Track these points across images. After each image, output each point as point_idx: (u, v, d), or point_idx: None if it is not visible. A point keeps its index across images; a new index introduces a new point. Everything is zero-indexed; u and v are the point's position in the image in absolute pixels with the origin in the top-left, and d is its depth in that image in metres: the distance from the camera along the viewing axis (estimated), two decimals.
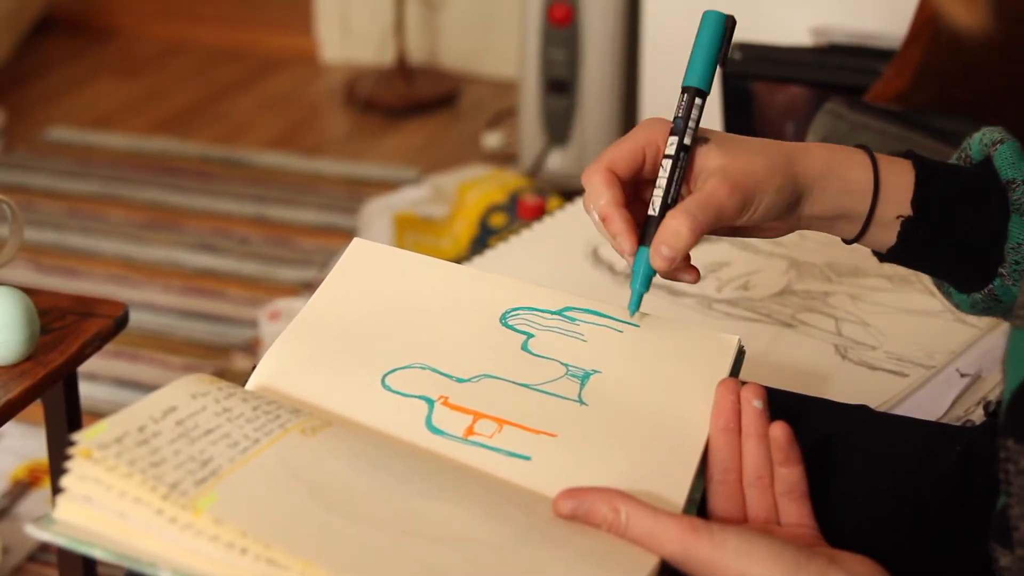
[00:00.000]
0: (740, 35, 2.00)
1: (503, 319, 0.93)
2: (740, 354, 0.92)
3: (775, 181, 0.90)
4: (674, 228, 0.88)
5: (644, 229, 0.90)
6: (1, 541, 1.97)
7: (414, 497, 0.76)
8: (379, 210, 2.94)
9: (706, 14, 0.94)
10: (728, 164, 0.90)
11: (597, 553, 0.75)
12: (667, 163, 0.90)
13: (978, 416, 1.12)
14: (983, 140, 0.95)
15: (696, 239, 0.88)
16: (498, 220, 2.79)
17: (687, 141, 0.90)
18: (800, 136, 1.79)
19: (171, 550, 0.70)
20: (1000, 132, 0.94)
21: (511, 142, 3.49)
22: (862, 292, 1.32)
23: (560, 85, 3.11)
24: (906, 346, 1.23)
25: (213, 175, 3.43)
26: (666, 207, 0.90)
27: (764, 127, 1.94)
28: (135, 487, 0.71)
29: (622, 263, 1.39)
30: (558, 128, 3.14)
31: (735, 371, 0.91)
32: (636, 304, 0.92)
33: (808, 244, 1.42)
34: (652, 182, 0.92)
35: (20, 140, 3.62)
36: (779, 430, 0.83)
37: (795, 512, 0.83)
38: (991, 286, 0.93)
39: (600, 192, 0.90)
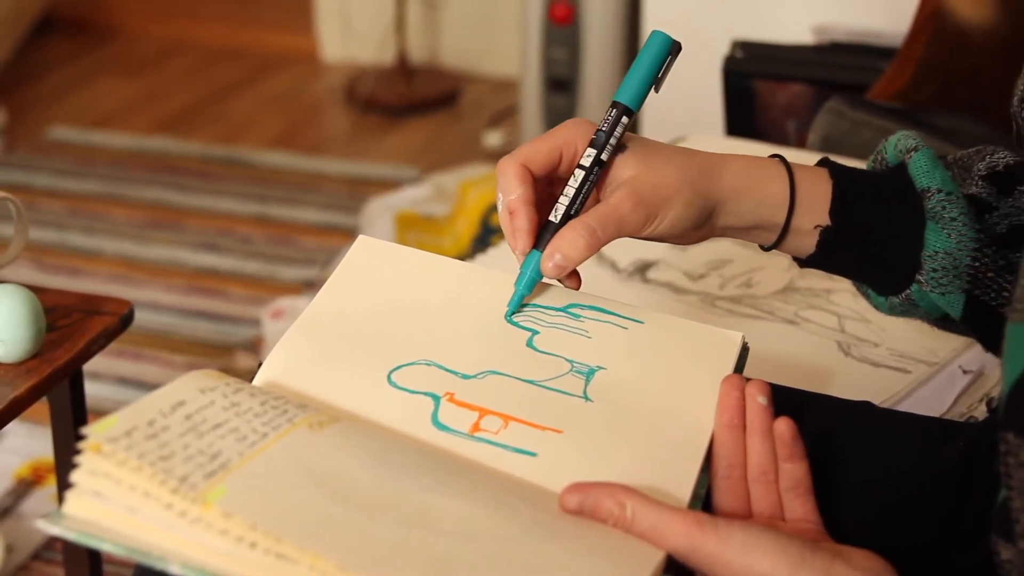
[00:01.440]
0: (742, 33, 2.01)
1: (508, 315, 0.93)
2: (744, 351, 0.92)
3: (684, 195, 0.90)
4: (572, 238, 0.89)
5: (541, 233, 0.91)
6: (6, 539, 1.97)
7: (422, 491, 0.77)
8: (381, 209, 2.94)
9: (653, 34, 0.93)
10: (638, 176, 0.90)
11: (603, 547, 0.75)
12: (579, 173, 0.91)
13: (981, 412, 1.13)
14: (898, 146, 0.96)
15: (591, 253, 0.89)
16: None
17: (604, 156, 0.91)
18: (803, 134, 1.80)
19: (181, 544, 0.70)
20: (915, 139, 0.95)
21: (512, 141, 3.50)
22: None
23: (561, 84, 3.11)
24: (909, 343, 1.23)
25: (215, 174, 3.43)
26: (568, 217, 0.91)
27: (766, 125, 1.94)
28: (144, 481, 0.71)
29: (624, 261, 1.40)
30: None
31: (739, 368, 0.91)
32: (516, 305, 0.93)
33: None
34: (565, 181, 0.92)
35: (22, 140, 3.62)
36: (784, 426, 0.83)
37: (799, 508, 0.84)
38: (908, 291, 0.94)
39: (512, 186, 0.91)
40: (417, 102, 3.83)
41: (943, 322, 0.98)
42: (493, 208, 2.81)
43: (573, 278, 0.94)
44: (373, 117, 3.80)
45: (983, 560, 0.83)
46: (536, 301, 0.94)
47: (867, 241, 0.94)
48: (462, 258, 1.11)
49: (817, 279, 1.35)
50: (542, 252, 0.90)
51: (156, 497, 0.71)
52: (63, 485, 1.30)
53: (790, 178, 0.94)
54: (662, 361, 0.90)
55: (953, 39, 1.60)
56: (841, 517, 0.87)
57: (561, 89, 3.12)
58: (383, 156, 3.55)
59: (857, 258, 0.95)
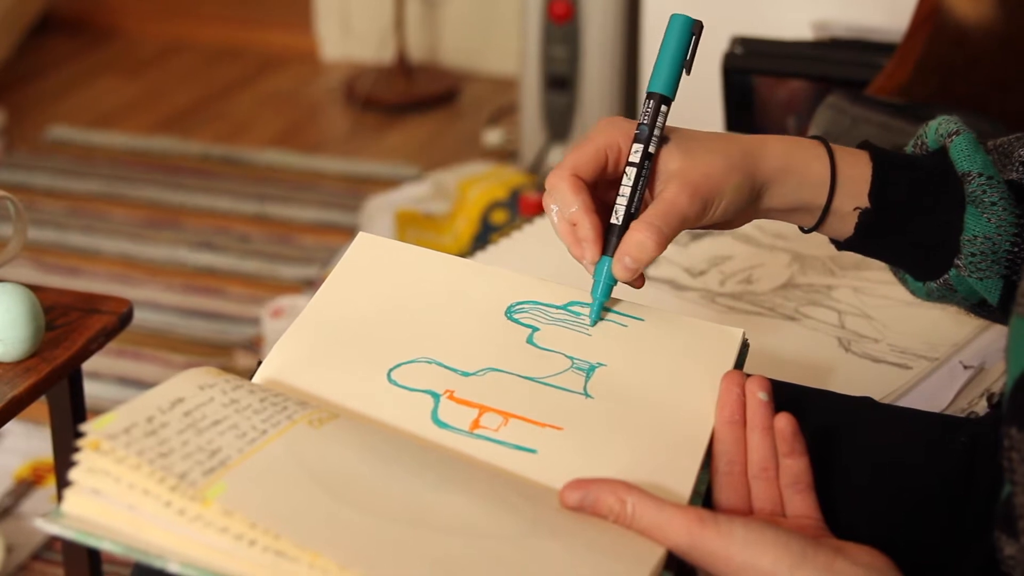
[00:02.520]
0: (741, 29, 2.01)
1: (508, 313, 0.93)
2: (744, 347, 0.92)
3: (733, 179, 0.90)
4: (639, 240, 0.88)
5: (606, 238, 0.90)
6: (5, 539, 1.97)
7: (422, 488, 0.76)
8: (380, 207, 2.94)
9: (673, 17, 0.93)
10: (687, 166, 0.90)
11: (604, 544, 0.75)
12: (631, 171, 0.90)
13: (982, 408, 1.12)
14: (939, 131, 0.95)
15: (661, 251, 0.89)
16: (499, 217, 2.79)
17: (652, 149, 0.90)
18: (803, 130, 1.80)
19: (180, 542, 0.70)
20: (956, 123, 0.95)
21: (512, 139, 3.50)
22: (865, 285, 1.33)
23: (561, 81, 3.11)
24: (909, 339, 1.23)
25: (214, 173, 3.43)
26: (630, 216, 0.90)
27: (765, 122, 1.94)
28: (144, 478, 0.71)
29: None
30: (559, 124, 3.14)
31: (739, 364, 0.91)
32: (597, 314, 0.92)
33: (811, 238, 1.42)
34: (613, 184, 0.92)
35: (21, 139, 3.62)
36: (784, 421, 0.83)
37: (800, 503, 0.83)
38: (946, 276, 0.94)
39: (570, 199, 0.90)
40: (417, 100, 3.83)
41: (979, 308, 0.97)
42: (493, 205, 2.81)
43: (637, 280, 0.93)
44: (373, 115, 3.80)
45: (986, 556, 0.83)
46: (536, 298, 0.94)
47: (906, 224, 0.94)
48: (462, 255, 1.11)
49: (818, 275, 1.35)
50: (611, 257, 0.90)
51: (155, 494, 0.71)
52: (63, 485, 1.30)
53: (831, 159, 0.93)
54: (662, 358, 0.90)
55: (953, 34, 1.60)
56: (842, 513, 0.87)
57: (561, 87, 3.11)
58: (383, 154, 3.55)
59: (895, 242, 0.95)
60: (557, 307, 0.93)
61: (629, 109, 3.08)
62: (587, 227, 0.90)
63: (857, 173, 0.93)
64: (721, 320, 1.25)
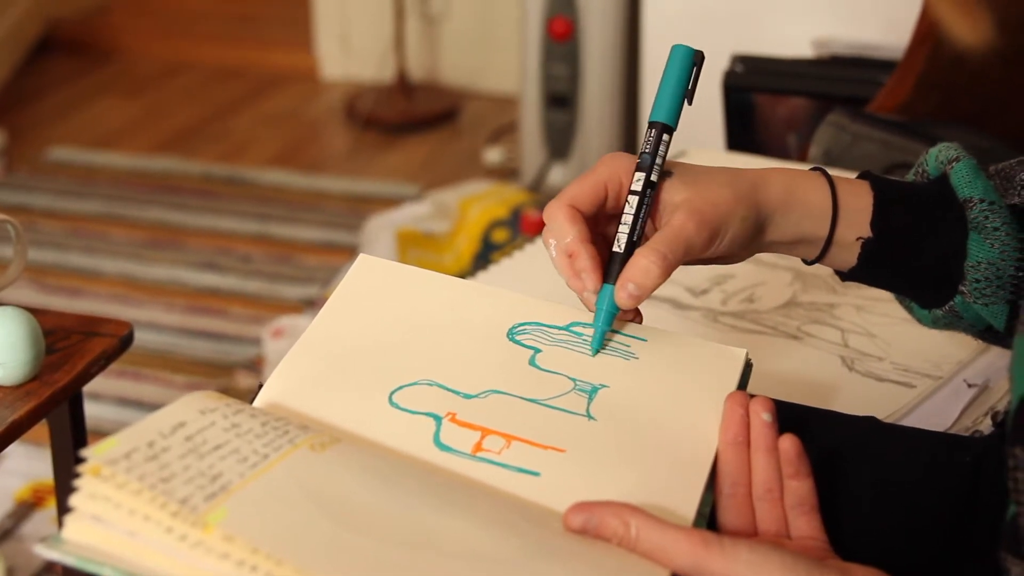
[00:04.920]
0: (742, 47, 2.01)
1: (510, 334, 0.92)
2: (748, 367, 0.92)
3: (740, 210, 0.90)
4: (644, 266, 0.87)
5: (608, 266, 0.90)
6: (6, 561, 1.96)
7: (425, 511, 0.76)
8: (381, 226, 2.94)
9: (674, 48, 0.93)
10: (693, 197, 0.89)
11: (607, 568, 0.75)
12: (633, 199, 0.90)
13: (986, 426, 1.12)
14: (939, 157, 0.95)
15: (666, 277, 0.88)
16: (500, 235, 2.79)
17: (654, 177, 0.90)
18: (803, 148, 1.79)
19: (181, 569, 0.70)
20: (956, 149, 0.95)
21: (512, 157, 3.50)
22: (867, 303, 1.32)
23: (561, 100, 3.11)
24: (913, 357, 1.23)
25: (215, 193, 3.43)
26: (632, 244, 0.89)
27: (766, 139, 1.94)
28: (144, 504, 0.71)
29: None
30: (559, 143, 3.14)
31: (743, 384, 0.90)
32: (599, 342, 0.91)
33: None
34: (613, 218, 0.92)
35: (22, 160, 3.63)
36: (788, 443, 0.83)
37: (805, 525, 0.83)
38: (952, 303, 0.94)
39: (565, 229, 0.89)
40: (417, 119, 3.84)
41: (986, 334, 0.97)
42: (494, 224, 2.81)
43: (636, 312, 0.93)
44: (373, 134, 3.80)
45: None
46: (538, 319, 0.93)
47: (909, 252, 0.93)
48: (463, 275, 1.11)
49: (820, 293, 1.35)
50: (613, 284, 0.89)
51: (156, 520, 0.70)
52: (63, 507, 1.29)
53: (832, 190, 0.93)
54: (665, 378, 0.90)
55: (953, 51, 1.59)
56: (847, 533, 0.87)
57: (561, 105, 3.12)
58: (383, 173, 3.56)
59: (899, 270, 0.95)
60: (559, 328, 0.93)
61: (630, 126, 3.08)
62: (584, 256, 0.89)
63: (858, 203, 0.93)
64: (723, 339, 1.24)
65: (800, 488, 0.83)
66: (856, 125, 1.60)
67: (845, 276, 0.97)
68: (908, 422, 1.14)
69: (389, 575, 0.71)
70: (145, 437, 0.75)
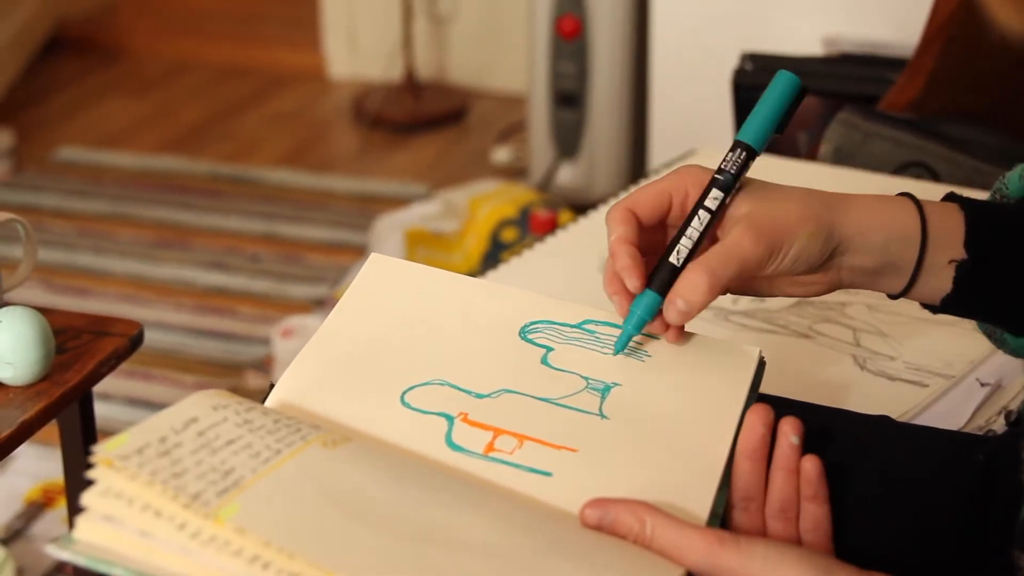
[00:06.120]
0: (751, 45, 2.01)
1: (522, 333, 0.92)
2: (761, 365, 0.91)
3: (807, 227, 0.86)
4: (693, 281, 0.85)
5: (654, 273, 0.88)
6: (16, 562, 1.96)
7: (437, 507, 0.76)
8: (390, 226, 2.94)
9: (780, 74, 0.90)
10: (755, 210, 0.87)
11: (621, 565, 0.75)
12: (703, 215, 0.87)
13: (999, 425, 1.11)
14: (1023, 176, 0.92)
15: (714, 295, 0.85)
16: (510, 234, 2.79)
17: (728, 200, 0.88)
18: (814, 146, 1.79)
19: (193, 568, 0.69)
20: None
21: (521, 156, 3.50)
22: (879, 302, 1.32)
23: (569, 98, 3.11)
24: (925, 356, 1.22)
25: (223, 193, 3.43)
26: (687, 259, 0.87)
27: (776, 137, 1.93)
28: (156, 497, 0.71)
29: None
30: (568, 141, 3.14)
31: (756, 383, 0.90)
32: (623, 345, 0.89)
33: None
34: (674, 229, 0.89)
35: (30, 160, 3.63)
36: (810, 464, 0.82)
37: (818, 549, 0.83)
38: None
39: (612, 228, 0.88)
40: (425, 118, 3.83)
41: None
42: (503, 223, 2.80)
43: (678, 330, 0.90)
44: (381, 134, 3.80)
45: (1003, 575, 0.82)
46: (550, 317, 0.93)
47: (1006, 273, 0.89)
48: (472, 274, 1.10)
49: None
50: (655, 291, 0.87)
51: (168, 516, 0.70)
52: (73, 507, 1.29)
53: (919, 211, 0.89)
54: (679, 377, 0.89)
55: (964, 49, 1.59)
56: (860, 532, 0.86)
57: (569, 104, 3.11)
58: (391, 173, 3.55)
59: (996, 293, 0.90)
60: (571, 326, 0.93)
61: (638, 124, 3.08)
62: (624, 255, 0.86)
63: (948, 223, 0.89)
64: (735, 338, 1.24)
65: (817, 512, 0.82)
66: (867, 123, 1.60)
67: (938, 309, 0.92)
68: (921, 421, 1.13)
69: (401, 569, 0.71)
70: (157, 432, 0.76)
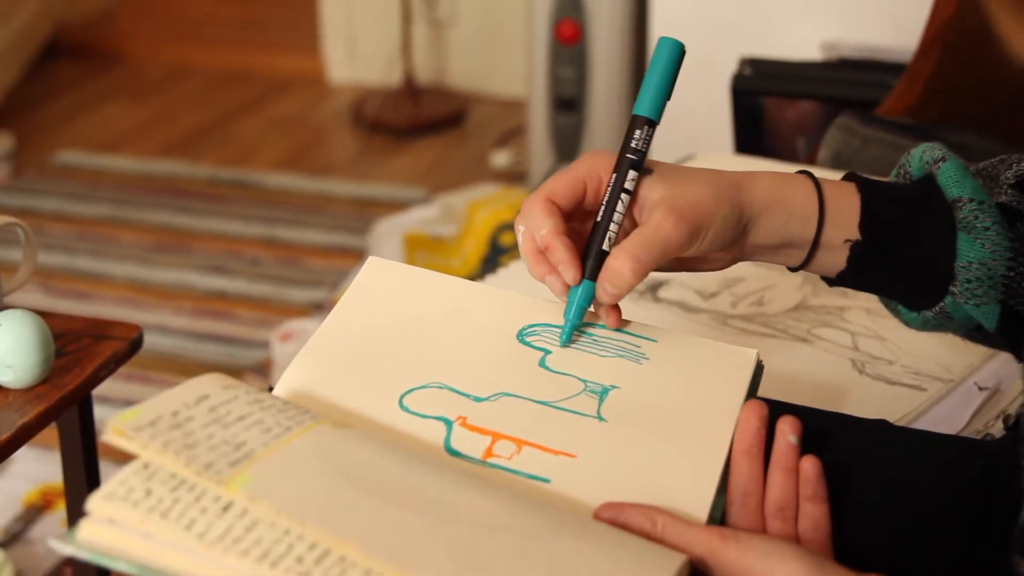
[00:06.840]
0: (750, 50, 2.01)
1: (520, 336, 0.92)
2: (759, 368, 0.91)
3: (721, 209, 0.89)
4: (616, 269, 0.87)
5: (586, 261, 0.89)
6: (15, 564, 1.96)
7: (447, 484, 0.77)
8: (389, 230, 2.94)
9: (661, 40, 0.91)
10: (673, 195, 0.89)
11: (627, 546, 0.75)
12: (626, 198, 0.89)
13: (997, 429, 1.12)
14: (924, 158, 0.94)
15: (639, 279, 0.87)
16: (508, 239, 2.79)
17: (629, 179, 0.89)
18: (813, 151, 1.79)
19: (196, 565, 0.70)
20: (941, 149, 0.93)
21: (520, 160, 3.50)
22: (878, 306, 1.31)
23: (568, 103, 3.11)
24: (924, 360, 1.23)
25: (222, 197, 3.43)
26: (604, 238, 0.89)
27: (775, 143, 1.94)
28: (169, 464, 0.71)
29: None
30: (567, 146, 3.14)
31: (754, 385, 0.90)
32: (568, 336, 0.91)
33: None
34: (590, 214, 0.91)
35: (29, 164, 3.63)
36: (809, 464, 0.82)
37: (816, 549, 0.83)
38: (942, 304, 0.92)
39: (541, 221, 0.89)
40: (424, 123, 3.83)
41: (975, 334, 0.96)
42: (502, 227, 2.80)
43: (614, 312, 0.92)
44: (380, 138, 3.80)
45: None
46: (549, 321, 0.93)
47: (898, 253, 0.92)
48: (471, 278, 1.10)
49: (830, 296, 1.34)
50: (588, 279, 0.89)
51: (187, 488, 0.71)
52: (72, 510, 1.29)
53: (818, 191, 0.92)
54: (676, 379, 0.89)
55: (962, 55, 1.59)
56: (858, 536, 0.86)
57: (568, 108, 3.12)
58: (391, 177, 3.55)
59: (888, 272, 0.94)
60: None
61: None
62: (561, 248, 0.89)
63: (845, 204, 0.92)
64: (733, 342, 1.24)
65: (816, 512, 0.83)
66: (865, 128, 1.60)
67: (833, 281, 0.96)
68: (919, 425, 1.14)
69: (411, 540, 0.71)
70: (170, 407, 0.77)
